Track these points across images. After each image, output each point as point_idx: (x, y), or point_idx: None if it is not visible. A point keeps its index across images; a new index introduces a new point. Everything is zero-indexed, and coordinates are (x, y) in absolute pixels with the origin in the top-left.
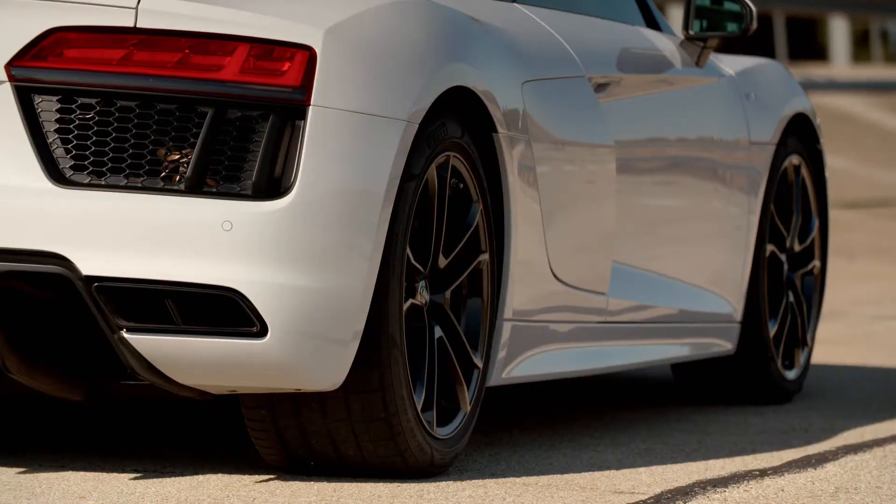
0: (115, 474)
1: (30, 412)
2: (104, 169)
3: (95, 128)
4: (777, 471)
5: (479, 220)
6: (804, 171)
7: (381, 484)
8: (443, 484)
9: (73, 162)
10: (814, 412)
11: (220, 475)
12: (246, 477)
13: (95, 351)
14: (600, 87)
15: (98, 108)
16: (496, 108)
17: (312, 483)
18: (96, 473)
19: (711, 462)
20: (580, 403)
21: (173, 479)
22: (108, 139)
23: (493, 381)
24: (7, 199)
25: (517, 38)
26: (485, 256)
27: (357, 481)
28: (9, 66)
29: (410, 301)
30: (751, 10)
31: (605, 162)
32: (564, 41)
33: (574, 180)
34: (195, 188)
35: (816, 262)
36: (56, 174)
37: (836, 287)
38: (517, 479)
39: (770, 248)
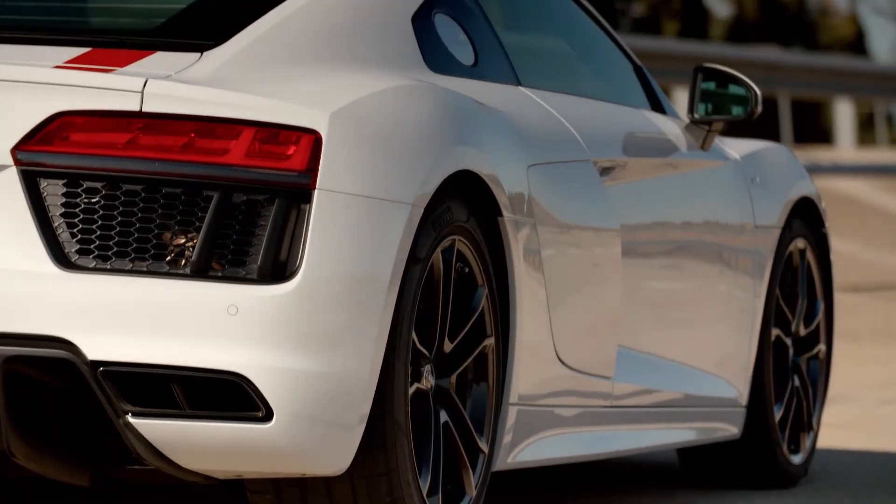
0: None
1: (34, 496)
2: (109, 253)
3: (101, 211)
4: None
5: (485, 304)
6: (809, 255)
7: None
8: None
9: (78, 246)
10: (819, 497)
11: None
12: None
13: (101, 435)
14: (605, 171)
15: (103, 191)
16: (501, 191)
17: None
18: None
19: None
20: (586, 488)
21: None
22: (113, 223)
23: (498, 465)
24: (12, 283)
25: (522, 122)
26: (490, 340)
27: None
28: (15, 149)
29: (416, 385)
30: (756, 94)
31: (610, 246)
32: (569, 124)
33: (579, 264)
34: (201, 272)
35: (822, 346)
36: (61, 258)
37: (842, 370)
38: None
39: (775, 331)
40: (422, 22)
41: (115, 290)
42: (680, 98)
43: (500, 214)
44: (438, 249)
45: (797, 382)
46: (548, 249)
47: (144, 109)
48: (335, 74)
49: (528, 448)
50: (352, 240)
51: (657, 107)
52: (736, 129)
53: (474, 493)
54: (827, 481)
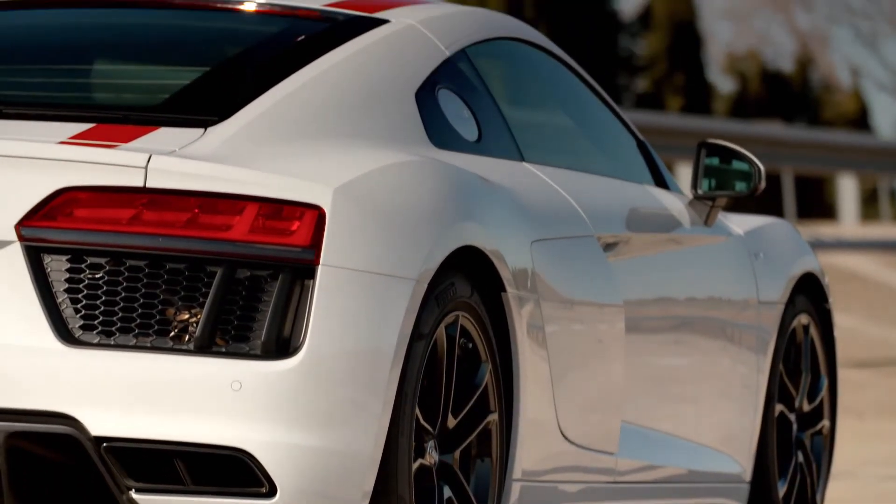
0: None
1: None
2: (113, 329)
3: (105, 287)
4: None
5: (488, 380)
6: (813, 331)
7: None
8: None
9: (82, 322)
10: None
11: None
12: None
13: None
14: (609, 247)
15: (107, 267)
16: (505, 267)
17: None
18: None
19: None
20: None
21: None
22: (117, 299)
23: None
24: (16, 358)
25: (526, 198)
26: (494, 416)
27: None
28: (18, 225)
29: (419, 461)
30: (759, 169)
31: (613, 321)
32: (573, 200)
33: (583, 340)
34: (204, 348)
35: (826, 422)
36: (65, 334)
37: (846, 446)
38: None
39: (779, 407)
40: (426, 97)
41: (118, 366)
42: (683, 173)
43: (504, 290)
44: (442, 325)
45: (801, 458)
46: (551, 325)
47: (148, 185)
48: (339, 150)
49: None
50: (355, 315)
51: (661, 182)
52: (739, 205)
53: None
54: None
